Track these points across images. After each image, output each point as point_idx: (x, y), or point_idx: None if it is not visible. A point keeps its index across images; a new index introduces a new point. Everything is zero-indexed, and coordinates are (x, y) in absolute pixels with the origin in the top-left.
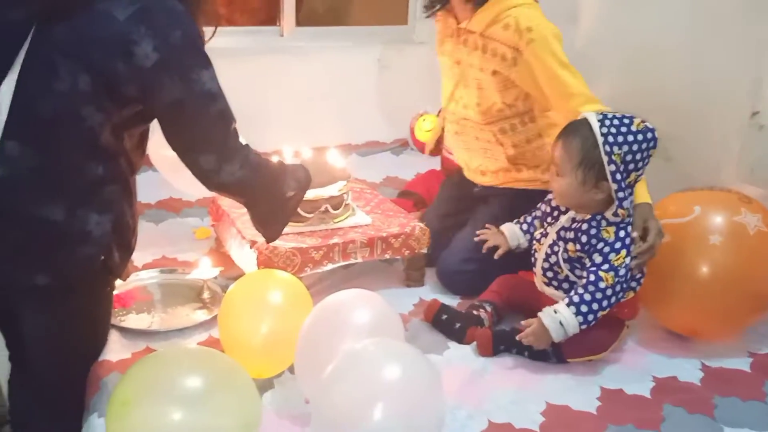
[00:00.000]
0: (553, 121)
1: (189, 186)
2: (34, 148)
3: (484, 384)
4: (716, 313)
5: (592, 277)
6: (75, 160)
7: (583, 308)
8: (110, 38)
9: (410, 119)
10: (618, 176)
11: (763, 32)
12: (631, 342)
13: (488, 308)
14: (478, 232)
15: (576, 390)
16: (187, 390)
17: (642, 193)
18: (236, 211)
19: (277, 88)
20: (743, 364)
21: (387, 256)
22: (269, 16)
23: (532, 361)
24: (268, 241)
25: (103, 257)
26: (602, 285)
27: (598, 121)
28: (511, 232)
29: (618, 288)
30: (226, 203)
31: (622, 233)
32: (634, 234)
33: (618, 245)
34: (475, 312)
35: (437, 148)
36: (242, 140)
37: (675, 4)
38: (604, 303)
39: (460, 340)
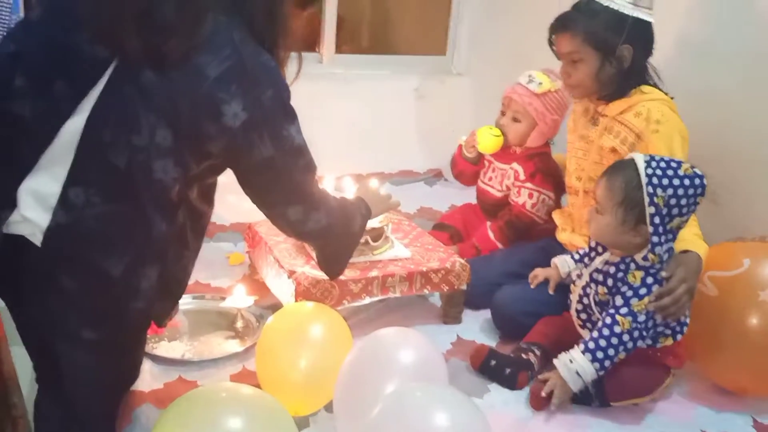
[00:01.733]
0: None
1: (224, 209)
2: (101, 197)
3: (529, 431)
4: (762, 372)
5: (608, 320)
6: (141, 213)
7: (599, 354)
8: (199, 97)
9: (447, 151)
10: (657, 219)
11: None
12: (678, 394)
13: (537, 351)
14: (530, 277)
15: None
16: (228, 430)
17: (692, 242)
18: (274, 238)
19: (313, 114)
20: None
21: (426, 292)
22: (310, 41)
23: (578, 407)
24: (331, 278)
25: (149, 310)
26: (617, 330)
27: (645, 162)
28: (562, 261)
29: (636, 334)
30: (264, 229)
31: (649, 279)
32: (663, 274)
33: (642, 291)
34: (524, 356)
35: (479, 166)
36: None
37: (734, 49)
38: (620, 348)
39: (512, 386)
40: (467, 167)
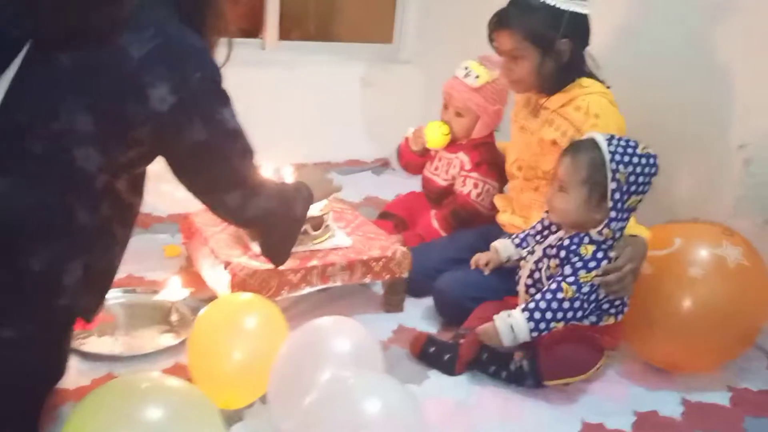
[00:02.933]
0: None
1: (160, 200)
2: (19, 187)
3: (465, 417)
4: (695, 347)
5: (553, 286)
6: (62, 203)
7: (536, 315)
8: (122, 79)
9: (394, 139)
10: (617, 195)
11: (752, 64)
12: (613, 373)
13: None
14: (472, 261)
15: (557, 423)
16: (146, 423)
17: (638, 228)
18: (210, 228)
19: (256, 102)
20: (723, 398)
21: (367, 280)
22: (252, 27)
23: (512, 390)
24: (276, 266)
25: (75, 306)
26: (560, 295)
27: (606, 140)
28: (503, 245)
29: (577, 305)
30: (200, 219)
31: (600, 254)
32: (612, 253)
33: (592, 264)
34: (462, 341)
35: (426, 157)
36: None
37: (664, 36)
38: (559, 315)
39: (451, 372)
40: (414, 158)
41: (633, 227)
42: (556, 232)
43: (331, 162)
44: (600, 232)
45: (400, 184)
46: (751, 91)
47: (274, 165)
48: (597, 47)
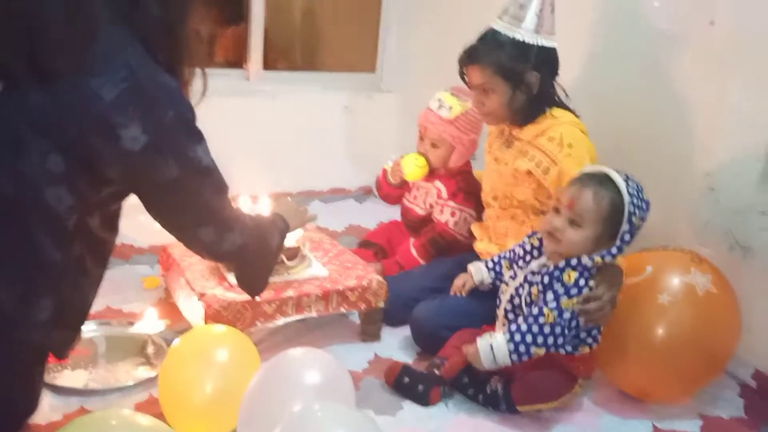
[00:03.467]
0: None
1: (140, 231)
2: None
3: None
4: (666, 375)
5: (535, 311)
6: (31, 242)
7: (517, 337)
8: (93, 120)
9: (378, 167)
10: (627, 237)
11: (715, 94)
12: (587, 401)
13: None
14: (452, 289)
15: None
16: None
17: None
18: (187, 260)
19: (241, 131)
20: (694, 426)
21: (343, 310)
22: (236, 58)
23: (486, 419)
24: (252, 296)
25: (47, 342)
26: (542, 320)
27: (624, 181)
28: (476, 268)
29: (558, 330)
30: (177, 251)
31: (582, 281)
32: (592, 283)
33: (573, 291)
34: (437, 371)
35: (404, 188)
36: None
37: (633, 63)
38: (539, 339)
39: (425, 402)
40: (392, 190)
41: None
42: (538, 257)
43: (314, 190)
44: (591, 258)
45: (383, 212)
46: (709, 121)
47: (250, 196)
48: (566, 77)
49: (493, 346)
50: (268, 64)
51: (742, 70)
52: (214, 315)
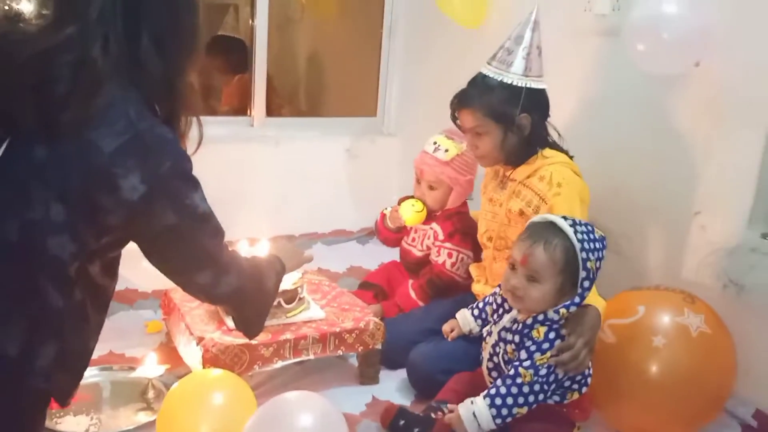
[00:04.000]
0: None
1: (143, 276)
2: None
3: None
4: (662, 416)
5: (511, 372)
6: (35, 289)
7: (498, 401)
8: (93, 172)
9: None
10: (587, 283)
11: (703, 134)
12: None
13: (446, 409)
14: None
15: None
16: None
17: (590, 298)
18: (187, 304)
19: (245, 176)
20: None
21: (340, 353)
22: (242, 106)
23: None
24: (250, 338)
25: (49, 388)
26: (519, 381)
27: (570, 226)
28: (463, 317)
29: (537, 388)
30: (178, 296)
31: (552, 335)
32: (563, 331)
33: (545, 346)
34: (433, 415)
35: (403, 233)
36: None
37: (628, 106)
38: (520, 400)
39: None
40: (391, 234)
41: (588, 297)
42: (510, 310)
43: (317, 232)
44: (557, 311)
45: (384, 254)
46: (699, 160)
47: (249, 239)
48: (562, 121)
49: (475, 413)
50: (273, 110)
51: (729, 110)
52: (212, 359)
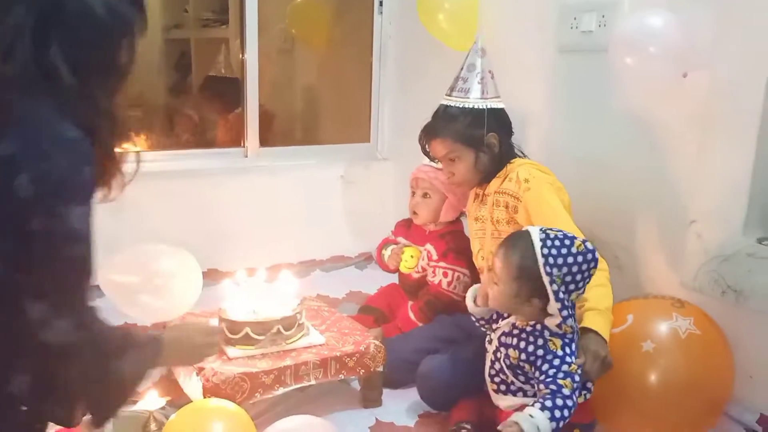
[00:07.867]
0: None
1: (142, 312)
2: None
3: None
4: (663, 420)
5: (553, 387)
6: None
7: (557, 413)
8: None
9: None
10: (561, 295)
11: (695, 143)
12: None
13: (468, 426)
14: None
15: None
16: None
17: (587, 319)
18: None
19: (242, 207)
20: None
21: (342, 377)
22: (238, 138)
23: None
24: (96, 427)
25: (39, 419)
26: (566, 391)
27: (540, 240)
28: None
29: (576, 393)
30: None
31: (567, 349)
32: (578, 361)
33: (568, 359)
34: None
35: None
36: (91, 303)
37: (620, 118)
38: (571, 408)
39: None
40: (388, 269)
41: (585, 319)
42: (506, 316)
43: (315, 259)
44: (559, 326)
45: (383, 278)
46: (692, 170)
47: (246, 269)
48: (553, 134)
49: (539, 428)
50: (267, 141)
51: (719, 119)
52: (212, 389)
